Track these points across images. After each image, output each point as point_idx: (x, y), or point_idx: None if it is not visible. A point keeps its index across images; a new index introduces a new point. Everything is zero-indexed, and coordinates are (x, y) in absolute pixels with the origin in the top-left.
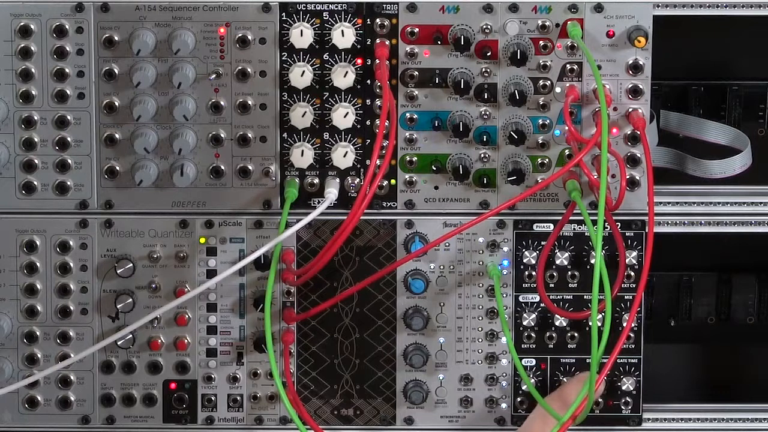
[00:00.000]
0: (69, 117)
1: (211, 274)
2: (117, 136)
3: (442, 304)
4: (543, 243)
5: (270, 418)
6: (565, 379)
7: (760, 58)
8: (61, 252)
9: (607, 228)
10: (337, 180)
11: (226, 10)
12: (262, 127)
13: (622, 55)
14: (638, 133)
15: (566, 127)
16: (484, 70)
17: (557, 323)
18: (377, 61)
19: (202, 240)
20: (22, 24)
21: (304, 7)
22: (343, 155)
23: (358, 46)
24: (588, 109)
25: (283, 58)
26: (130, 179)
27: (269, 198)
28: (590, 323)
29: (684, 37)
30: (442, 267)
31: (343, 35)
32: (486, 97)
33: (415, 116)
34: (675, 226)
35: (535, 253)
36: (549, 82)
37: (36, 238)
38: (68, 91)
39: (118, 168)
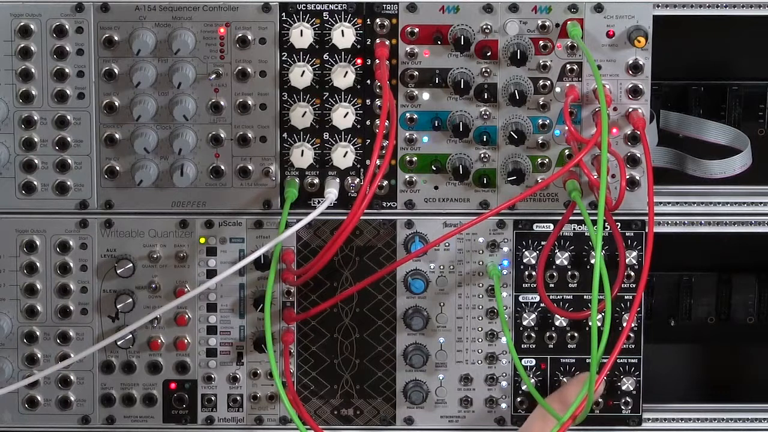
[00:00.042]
0: (69, 117)
1: (211, 274)
2: (117, 136)
3: (442, 304)
4: (543, 243)
5: (270, 418)
6: (565, 379)
7: (760, 58)
8: (61, 252)
9: (607, 228)
10: (337, 180)
11: (226, 10)
12: (262, 127)
13: (622, 55)
14: (638, 133)
15: (566, 127)
16: (484, 70)
17: (557, 323)
18: (377, 61)
19: (202, 240)
20: (22, 24)
21: (304, 7)
22: (343, 155)
23: (358, 46)
24: (588, 109)
25: (283, 58)
26: (130, 179)
27: (269, 198)
28: (590, 323)
29: (684, 37)
30: (442, 267)
31: (343, 35)
32: (486, 97)
33: (415, 116)
34: (675, 226)
35: (535, 253)
36: (549, 82)
37: (36, 238)
38: (68, 91)
39: (118, 168)
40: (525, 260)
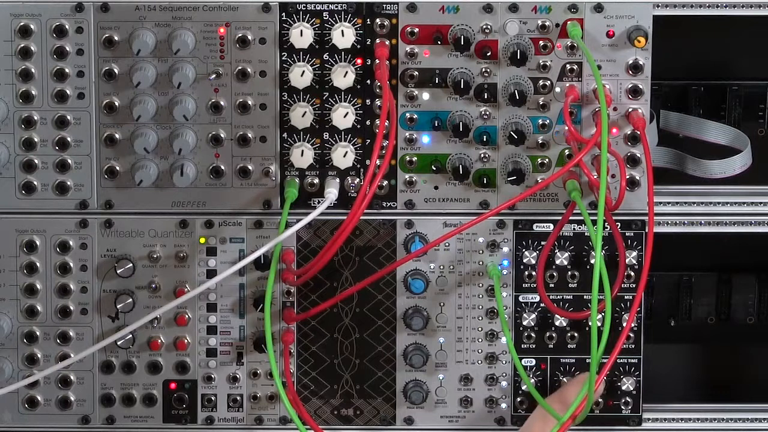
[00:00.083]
0: (69, 117)
1: (211, 274)
2: (117, 136)
3: (442, 304)
4: (543, 243)
5: (270, 418)
6: (565, 379)
7: (760, 58)
8: (61, 252)
9: (607, 228)
10: (337, 180)
11: (226, 10)
12: (262, 127)
13: (622, 55)
14: (638, 133)
15: (566, 127)
16: (484, 70)
17: (557, 323)
18: (377, 61)
19: (202, 240)
20: (22, 24)
21: (304, 7)
22: (343, 155)
23: (358, 46)
24: (588, 109)
25: (283, 58)
26: (130, 179)
27: (269, 198)
28: (590, 323)
29: (684, 37)
30: (442, 267)
31: (343, 35)
32: (486, 97)
33: (415, 116)
34: (675, 226)
35: (535, 253)
36: (549, 82)
37: (36, 238)
38: (68, 91)
39: (118, 168)
40: (525, 260)
